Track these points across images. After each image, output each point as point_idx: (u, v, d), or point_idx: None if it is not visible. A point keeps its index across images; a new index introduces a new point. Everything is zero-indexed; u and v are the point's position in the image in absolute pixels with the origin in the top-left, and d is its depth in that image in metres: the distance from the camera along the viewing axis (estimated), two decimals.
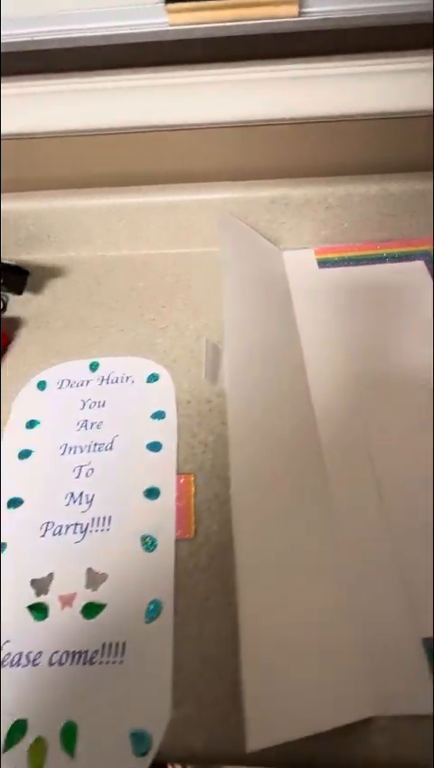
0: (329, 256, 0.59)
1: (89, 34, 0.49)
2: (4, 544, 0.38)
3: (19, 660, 0.32)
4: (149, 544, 0.37)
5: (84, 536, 0.38)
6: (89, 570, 0.36)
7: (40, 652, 0.32)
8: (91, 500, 0.40)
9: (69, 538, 0.38)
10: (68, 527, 0.38)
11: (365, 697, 0.26)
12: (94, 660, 0.32)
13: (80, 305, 0.58)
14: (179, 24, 0.44)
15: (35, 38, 0.48)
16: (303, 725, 0.23)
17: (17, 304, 0.59)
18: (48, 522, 0.39)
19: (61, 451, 0.44)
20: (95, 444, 0.44)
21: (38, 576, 0.36)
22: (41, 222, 0.60)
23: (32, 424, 0.46)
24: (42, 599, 0.35)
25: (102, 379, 0.49)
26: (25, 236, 0.61)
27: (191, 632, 0.33)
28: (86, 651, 0.32)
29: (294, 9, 0.43)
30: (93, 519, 0.39)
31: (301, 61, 0.48)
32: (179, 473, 0.41)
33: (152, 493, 0.40)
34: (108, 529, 0.38)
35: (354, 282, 0.56)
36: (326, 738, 0.27)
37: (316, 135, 0.54)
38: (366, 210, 0.57)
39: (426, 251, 0.58)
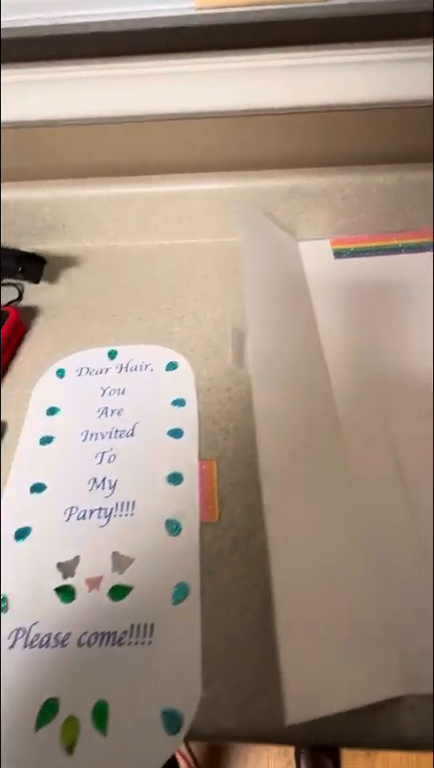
0: (345, 246, 0.59)
1: (100, 20, 0.49)
2: (29, 528, 0.38)
3: (48, 640, 0.32)
4: (174, 528, 0.37)
5: (109, 520, 0.38)
6: (115, 554, 0.36)
7: (68, 633, 0.33)
8: (114, 485, 0.40)
9: (93, 523, 0.38)
10: (92, 511, 0.39)
11: (395, 675, 0.27)
12: (123, 640, 0.32)
13: (95, 295, 0.58)
14: (206, 8, 0.43)
15: (56, 22, 0.48)
16: (339, 701, 0.23)
17: (32, 294, 0.59)
18: (72, 507, 0.39)
19: (83, 437, 0.44)
20: (116, 431, 0.44)
21: (64, 560, 0.36)
22: (57, 212, 0.60)
23: (52, 411, 0.46)
24: (68, 582, 0.35)
25: (121, 367, 0.49)
26: (41, 225, 0.61)
27: (217, 614, 0.33)
28: (114, 632, 0.32)
29: None
30: (117, 504, 0.39)
31: (323, 48, 0.48)
32: (201, 459, 0.41)
33: (175, 479, 0.40)
34: (132, 514, 0.38)
35: (370, 272, 0.56)
36: (356, 716, 0.28)
37: (335, 124, 0.53)
38: (383, 201, 0.57)
39: None
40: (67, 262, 0.62)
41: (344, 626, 0.27)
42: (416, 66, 0.50)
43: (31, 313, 0.56)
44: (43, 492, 0.40)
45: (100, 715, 0.29)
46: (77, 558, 0.36)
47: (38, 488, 0.41)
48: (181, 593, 0.34)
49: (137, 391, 0.47)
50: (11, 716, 0.30)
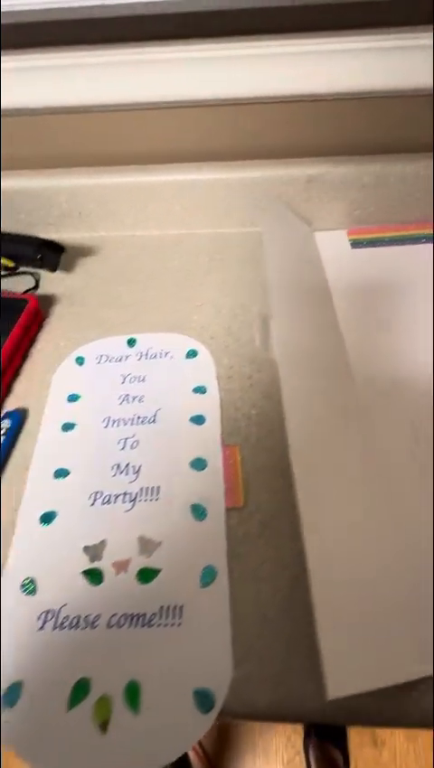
0: (362, 236, 0.59)
1: (116, 3, 0.48)
2: (55, 512, 0.38)
3: (77, 622, 0.33)
4: (199, 513, 0.37)
5: (134, 505, 0.38)
6: (141, 538, 0.36)
7: (98, 615, 0.33)
8: (138, 470, 0.40)
9: (118, 507, 0.38)
10: (117, 496, 0.39)
11: (429, 653, 0.27)
12: (152, 622, 0.32)
13: (113, 284, 0.58)
14: None
15: (74, 4, 0.47)
16: (378, 677, 0.23)
17: (49, 283, 0.59)
18: (96, 492, 0.39)
19: (105, 424, 0.44)
20: (138, 418, 0.44)
21: (90, 543, 0.36)
22: (74, 200, 0.60)
23: (73, 398, 0.46)
24: (96, 565, 0.35)
25: (141, 355, 0.49)
26: (57, 214, 0.61)
27: (246, 596, 0.33)
28: (144, 614, 0.33)
29: None
30: (142, 489, 0.39)
31: (339, 34, 0.47)
32: (225, 445, 0.41)
33: (198, 464, 0.40)
34: (157, 499, 0.38)
35: (388, 262, 0.56)
36: (389, 695, 0.28)
37: (354, 112, 0.53)
38: (401, 190, 0.57)
39: None
40: (83, 251, 0.62)
41: (380, 604, 0.27)
42: None
43: (48, 302, 0.56)
44: (67, 478, 0.40)
45: (132, 694, 0.30)
46: (103, 542, 0.36)
47: (62, 473, 0.41)
48: (209, 575, 0.34)
49: (158, 379, 0.47)
50: (43, 696, 0.30)
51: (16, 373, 0.49)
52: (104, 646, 0.31)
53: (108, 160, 0.60)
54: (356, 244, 0.59)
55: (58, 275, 0.59)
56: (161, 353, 0.49)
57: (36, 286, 0.58)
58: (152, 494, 0.39)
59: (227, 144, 0.58)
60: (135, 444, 0.42)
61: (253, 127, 0.56)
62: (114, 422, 0.44)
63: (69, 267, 0.60)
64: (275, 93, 0.53)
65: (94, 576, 0.35)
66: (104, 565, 0.35)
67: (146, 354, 0.49)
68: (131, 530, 0.37)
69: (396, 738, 0.94)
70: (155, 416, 0.44)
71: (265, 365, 0.47)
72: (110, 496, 0.39)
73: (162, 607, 0.33)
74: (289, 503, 0.37)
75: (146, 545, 0.36)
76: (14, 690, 0.30)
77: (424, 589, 0.29)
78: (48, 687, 0.30)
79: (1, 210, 0.61)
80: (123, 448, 0.42)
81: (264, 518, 0.37)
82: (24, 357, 0.50)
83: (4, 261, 0.55)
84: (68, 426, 0.44)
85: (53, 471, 0.41)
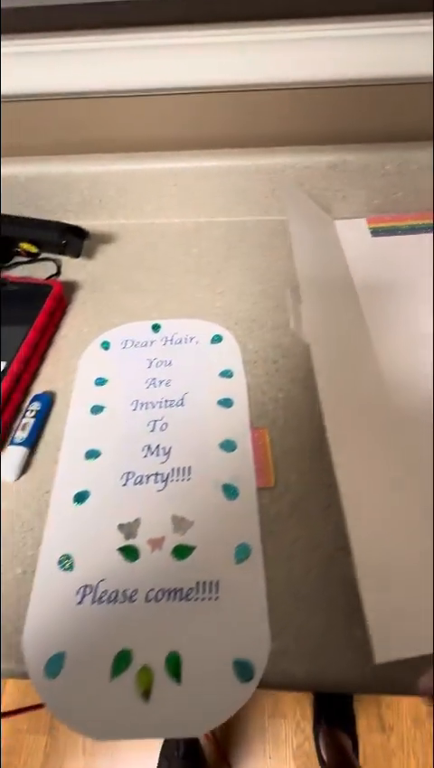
0: (382, 225, 0.60)
1: None
2: (88, 492, 0.39)
3: (116, 596, 0.33)
4: (231, 492, 0.38)
5: (166, 485, 0.39)
6: (175, 516, 0.37)
7: (136, 590, 0.33)
8: (169, 451, 0.41)
9: (151, 487, 0.39)
10: (148, 476, 0.39)
11: None
12: (190, 596, 0.33)
13: (134, 270, 0.58)
14: None
15: None
16: (423, 644, 0.24)
17: (71, 269, 0.59)
18: (128, 472, 0.40)
19: (133, 407, 0.44)
20: (166, 401, 0.44)
21: (124, 522, 0.37)
22: (95, 187, 0.60)
23: (100, 381, 0.47)
24: (131, 542, 0.36)
25: (166, 340, 0.50)
26: (78, 200, 0.61)
27: (280, 572, 0.34)
28: (181, 589, 0.33)
29: None
30: (173, 470, 0.40)
31: (366, 20, 0.47)
32: (253, 428, 0.42)
33: (228, 446, 0.41)
34: (188, 479, 0.39)
35: (408, 250, 0.57)
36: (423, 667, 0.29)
37: (377, 99, 0.53)
38: (422, 179, 0.57)
39: None
40: (103, 238, 0.62)
41: (424, 570, 0.28)
42: None
43: (70, 288, 0.56)
44: (98, 459, 0.41)
45: (173, 664, 0.30)
46: (137, 521, 0.37)
47: (93, 454, 0.41)
48: (243, 552, 0.35)
49: (184, 363, 0.47)
50: (85, 666, 0.31)
51: (42, 358, 0.49)
52: (143, 619, 0.32)
53: (126, 146, 0.60)
54: (376, 232, 0.59)
55: (79, 261, 0.60)
56: (186, 338, 0.50)
57: (58, 273, 0.58)
58: (183, 474, 0.39)
59: (246, 130, 0.58)
60: (164, 426, 0.43)
61: (272, 114, 0.57)
62: (142, 405, 0.44)
63: (89, 254, 0.60)
64: (293, 79, 0.53)
65: (130, 552, 0.35)
66: (139, 542, 0.36)
67: (171, 339, 0.50)
68: (164, 509, 0.37)
69: (403, 724, 0.95)
70: (182, 399, 0.45)
71: (290, 350, 0.48)
72: (142, 476, 0.39)
73: (198, 582, 0.33)
74: (319, 484, 0.38)
75: (180, 523, 0.37)
76: (56, 662, 0.31)
77: None
78: (90, 658, 0.31)
79: (14, 196, 0.61)
80: (152, 430, 0.42)
81: (295, 498, 0.38)
82: (49, 342, 0.51)
83: (27, 246, 0.56)
84: (97, 409, 0.44)
85: (84, 452, 0.41)
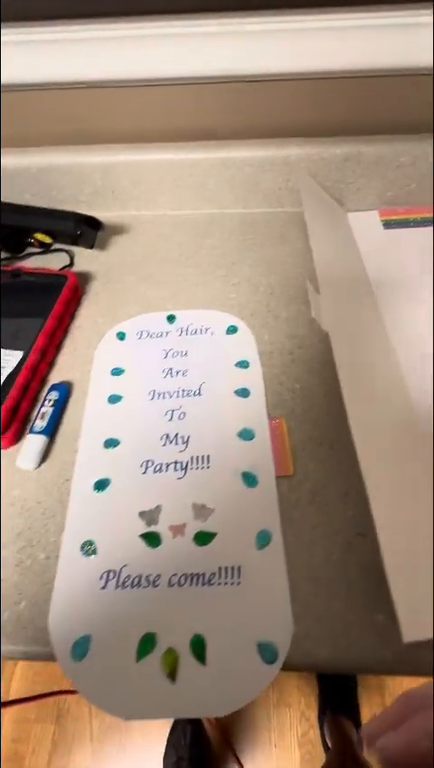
0: (394, 217, 0.60)
1: None
2: (108, 479, 0.39)
3: (139, 581, 0.34)
4: (250, 480, 0.38)
5: (185, 472, 0.39)
6: (195, 504, 0.37)
7: (159, 575, 0.34)
8: (187, 440, 0.41)
9: (170, 475, 0.39)
10: (168, 464, 0.40)
11: None
12: (212, 581, 0.33)
13: (148, 262, 0.58)
14: None
15: None
16: None
17: (84, 260, 0.59)
18: (148, 461, 0.40)
19: (150, 396, 0.45)
20: (183, 391, 0.45)
21: (146, 509, 0.37)
22: (107, 177, 0.60)
23: (117, 371, 0.47)
24: (153, 529, 0.36)
25: (181, 331, 0.50)
26: (90, 191, 0.61)
27: (301, 558, 0.34)
28: (203, 574, 0.34)
29: None
30: (192, 458, 0.40)
31: (383, 9, 0.47)
32: (271, 417, 0.42)
33: (246, 434, 0.41)
34: (208, 467, 0.39)
35: (421, 242, 0.57)
36: None
37: (392, 90, 0.53)
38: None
39: None
40: (115, 230, 0.62)
41: None
42: None
43: (84, 279, 0.57)
44: (117, 447, 0.41)
45: (198, 647, 0.31)
46: (159, 507, 0.37)
47: (112, 443, 0.41)
48: (264, 538, 0.35)
49: (200, 353, 0.48)
50: (111, 648, 0.31)
51: (58, 348, 0.50)
52: (167, 603, 0.33)
53: (139, 137, 0.60)
54: (389, 225, 0.59)
55: (91, 252, 0.60)
56: (201, 329, 0.50)
57: (71, 263, 0.58)
58: (202, 463, 0.40)
59: (260, 122, 0.58)
60: (182, 415, 0.43)
61: (287, 105, 0.56)
62: (159, 395, 0.45)
63: (102, 245, 0.60)
64: (309, 70, 0.52)
65: (152, 538, 0.36)
66: (161, 528, 0.36)
67: (187, 330, 0.50)
68: (185, 497, 0.38)
69: None
70: (199, 389, 0.45)
71: (305, 341, 0.48)
72: (162, 465, 0.40)
73: (220, 567, 0.34)
74: (337, 472, 0.39)
75: (201, 510, 0.37)
76: (82, 644, 0.31)
77: None
78: (115, 640, 0.31)
79: (27, 187, 0.61)
80: (171, 419, 0.43)
81: (313, 486, 0.38)
82: (65, 333, 0.51)
83: (41, 237, 0.56)
84: (114, 399, 0.45)
85: (103, 441, 0.42)
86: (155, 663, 0.31)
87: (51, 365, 0.48)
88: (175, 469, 0.40)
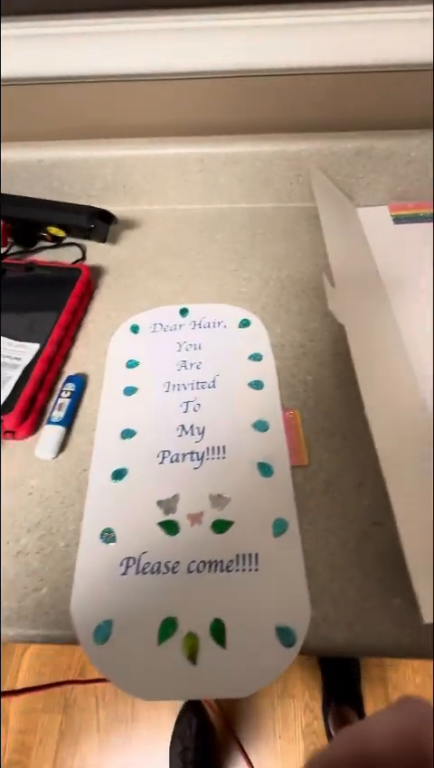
0: (404, 212, 0.60)
1: None
2: (126, 469, 0.40)
3: (158, 568, 0.34)
4: (266, 470, 0.39)
5: (202, 463, 0.40)
6: (212, 493, 0.38)
7: (177, 562, 0.35)
8: (203, 431, 0.42)
9: (187, 465, 0.40)
10: (184, 455, 0.40)
11: None
12: (230, 568, 0.34)
13: (160, 256, 0.58)
14: None
15: None
16: None
17: (96, 254, 0.59)
18: (164, 451, 0.41)
19: (165, 388, 0.45)
20: (197, 383, 0.45)
21: (163, 498, 0.38)
22: (119, 172, 0.60)
23: (132, 364, 0.47)
24: (171, 517, 0.37)
25: (194, 324, 0.50)
26: (101, 186, 0.62)
27: (317, 546, 0.35)
28: (221, 561, 0.34)
29: None
30: (208, 448, 0.41)
31: (398, 3, 0.48)
32: (285, 409, 0.43)
33: (261, 426, 0.42)
34: (223, 457, 0.40)
35: (431, 237, 0.57)
36: None
37: (403, 85, 0.54)
38: None
39: None
40: (127, 224, 0.62)
41: None
42: None
43: (96, 273, 0.57)
44: (134, 438, 0.42)
45: (218, 631, 0.32)
46: (176, 497, 0.38)
47: (128, 434, 0.42)
48: (280, 526, 0.36)
49: (213, 346, 0.48)
50: (133, 632, 0.32)
51: (72, 340, 0.50)
52: (186, 589, 0.33)
53: (151, 131, 0.60)
54: (398, 220, 0.60)
55: (103, 246, 0.60)
56: (214, 323, 0.50)
57: (84, 257, 0.58)
58: (218, 453, 0.40)
59: (272, 116, 0.58)
60: (196, 407, 0.44)
61: (299, 100, 0.57)
62: (174, 387, 0.45)
63: (113, 239, 0.61)
64: (320, 64, 0.53)
65: (170, 526, 0.36)
66: (179, 517, 0.37)
67: (200, 323, 0.50)
68: (201, 486, 0.38)
69: None
70: (214, 381, 0.45)
71: (317, 335, 0.49)
72: (178, 455, 0.40)
73: (238, 555, 0.35)
74: (351, 463, 0.39)
75: (217, 500, 0.38)
76: (104, 628, 0.32)
77: None
78: (137, 625, 0.32)
79: (38, 181, 0.61)
80: (186, 411, 0.43)
81: (328, 476, 0.39)
82: (79, 325, 0.52)
83: (55, 231, 0.56)
84: (130, 390, 0.45)
85: (120, 431, 0.42)
86: (177, 647, 0.31)
87: (65, 357, 0.49)
88: (192, 459, 0.40)
